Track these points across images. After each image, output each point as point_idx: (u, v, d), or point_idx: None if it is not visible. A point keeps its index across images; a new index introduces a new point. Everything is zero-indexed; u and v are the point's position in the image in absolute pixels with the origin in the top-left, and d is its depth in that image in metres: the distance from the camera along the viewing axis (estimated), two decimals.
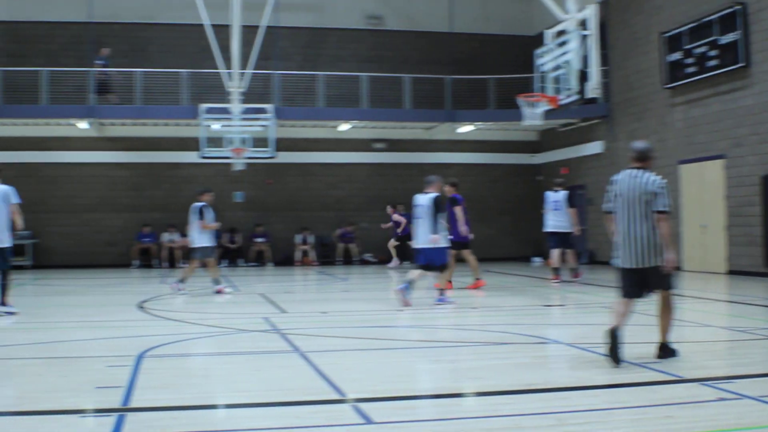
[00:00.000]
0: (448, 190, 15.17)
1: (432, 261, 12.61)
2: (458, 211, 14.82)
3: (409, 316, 11.61)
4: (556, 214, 16.75)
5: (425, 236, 12.56)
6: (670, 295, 7.47)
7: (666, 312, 7.45)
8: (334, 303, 14.15)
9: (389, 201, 26.61)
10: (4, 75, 23.88)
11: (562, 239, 16.83)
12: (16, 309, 11.75)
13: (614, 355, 7.06)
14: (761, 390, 6.06)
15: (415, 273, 12.70)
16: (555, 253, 16.83)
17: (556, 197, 16.84)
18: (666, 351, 7.48)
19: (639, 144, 7.62)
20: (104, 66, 23.71)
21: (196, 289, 16.42)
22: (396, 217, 24.03)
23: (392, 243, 24.26)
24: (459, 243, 14.92)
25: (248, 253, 25.50)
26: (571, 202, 16.83)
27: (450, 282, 14.92)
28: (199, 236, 15.20)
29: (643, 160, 7.46)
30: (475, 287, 15.52)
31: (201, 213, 15.11)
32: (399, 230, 24.08)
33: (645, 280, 7.34)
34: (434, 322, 11.18)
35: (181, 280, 15.31)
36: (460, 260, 15.50)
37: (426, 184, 12.83)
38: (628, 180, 7.36)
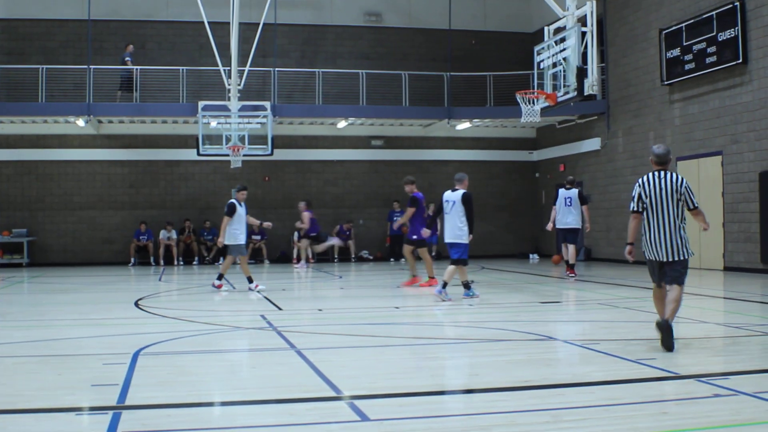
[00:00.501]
0: (409, 189, 15.43)
1: (459, 255, 12.94)
2: (409, 211, 15.47)
3: (405, 314, 11.62)
4: (568, 211, 17.23)
5: (451, 232, 13.00)
6: (681, 291, 7.99)
7: (675, 303, 7.93)
8: (330, 300, 14.15)
9: (387, 198, 26.67)
10: (2, 72, 23.88)
11: (571, 235, 17.36)
12: None
13: (668, 343, 7.65)
14: (756, 386, 6.06)
15: (449, 270, 13.03)
16: (566, 248, 17.45)
17: (568, 194, 17.32)
18: (668, 333, 7.69)
19: (659, 148, 8.24)
20: (130, 63, 23.93)
21: (192, 287, 16.44)
22: (306, 215, 22.50)
23: (304, 243, 22.99)
24: (416, 241, 15.47)
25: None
26: (583, 199, 17.39)
27: (434, 278, 15.33)
28: (230, 233, 14.97)
29: (664, 163, 8.16)
30: (428, 284, 15.29)
31: (226, 210, 15.02)
32: (302, 226, 22.80)
33: (665, 272, 8.05)
34: (430, 320, 11.18)
35: (249, 279, 15.21)
36: (419, 258, 15.93)
37: (455, 182, 13.27)
38: (657, 182, 8.03)
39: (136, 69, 24.23)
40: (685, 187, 7.97)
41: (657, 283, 8.19)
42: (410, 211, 15.53)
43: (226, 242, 15.09)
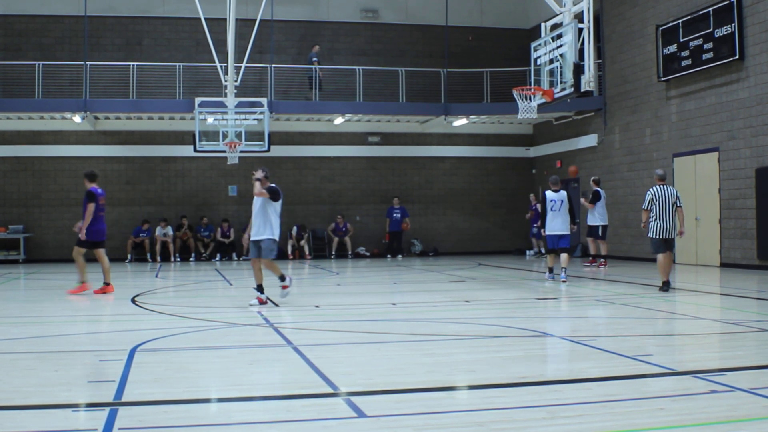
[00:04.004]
0: (87, 184, 14.11)
1: (569, 243, 15.60)
2: (90, 207, 13.93)
3: (402, 310, 11.62)
4: (606, 208, 19.80)
5: (562, 225, 15.46)
6: (672, 253, 13.41)
7: (669, 262, 13.28)
8: (326, 297, 14.14)
9: (385, 194, 26.65)
10: None
11: (605, 230, 19.74)
12: None
13: (668, 288, 13.02)
14: (753, 382, 6.07)
15: (563, 257, 15.47)
16: (599, 243, 19.79)
17: (605, 194, 19.94)
18: (666, 285, 13.01)
19: (661, 171, 13.65)
20: (317, 63, 24.57)
21: (189, 284, 16.41)
22: None
23: None
24: (89, 242, 14.21)
25: (241, 246, 25.44)
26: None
27: (85, 284, 14.12)
28: None
29: (665, 179, 13.48)
30: (79, 291, 14.05)
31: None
32: None
33: (666, 244, 13.26)
34: (427, 316, 11.17)
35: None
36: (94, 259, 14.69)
37: (551, 184, 15.66)
38: (662, 192, 13.24)
39: (133, 65, 24.21)
40: (677, 194, 13.39)
41: (663, 252, 13.20)
42: (90, 206, 13.90)
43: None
